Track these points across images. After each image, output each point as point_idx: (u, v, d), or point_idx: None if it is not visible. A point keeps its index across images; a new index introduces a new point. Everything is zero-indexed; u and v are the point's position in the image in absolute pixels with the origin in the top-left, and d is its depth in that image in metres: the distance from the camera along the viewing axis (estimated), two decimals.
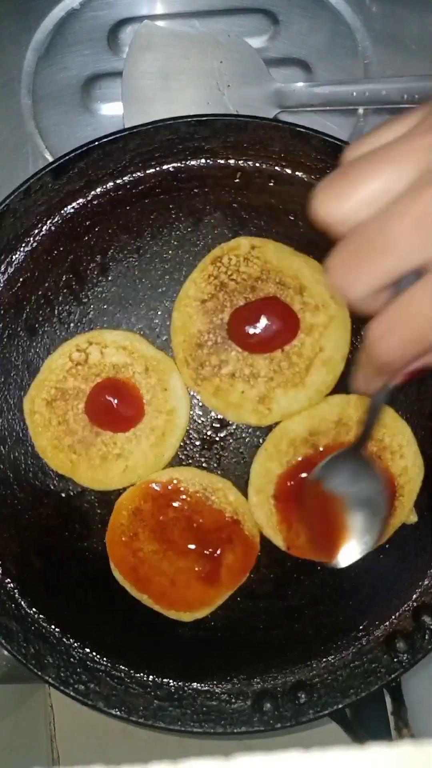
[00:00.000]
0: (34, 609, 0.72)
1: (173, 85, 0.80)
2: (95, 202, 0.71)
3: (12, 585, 0.72)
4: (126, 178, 0.70)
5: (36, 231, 0.71)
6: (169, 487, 0.72)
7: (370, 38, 0.84)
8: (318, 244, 0.71)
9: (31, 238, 0.71)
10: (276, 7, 0.84)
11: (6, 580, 0.72)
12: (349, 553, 0.65)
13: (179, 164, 0.70)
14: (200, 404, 0.73)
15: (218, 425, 0.73)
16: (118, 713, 0.70)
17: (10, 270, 0.71)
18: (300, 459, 0.71)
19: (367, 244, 0.40)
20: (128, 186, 0.71)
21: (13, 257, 0.71)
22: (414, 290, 0.40)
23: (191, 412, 0.73)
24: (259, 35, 0.84)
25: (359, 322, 0.72)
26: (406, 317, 0.41)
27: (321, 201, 0.43)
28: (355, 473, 0.65)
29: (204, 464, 0.73)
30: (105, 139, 0.68)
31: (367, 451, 0.66)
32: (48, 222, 0.71)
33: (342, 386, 0.72)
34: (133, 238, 0.72)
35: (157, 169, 0.71)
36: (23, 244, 0.71)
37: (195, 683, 0.72)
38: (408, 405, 0.72)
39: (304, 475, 0.70)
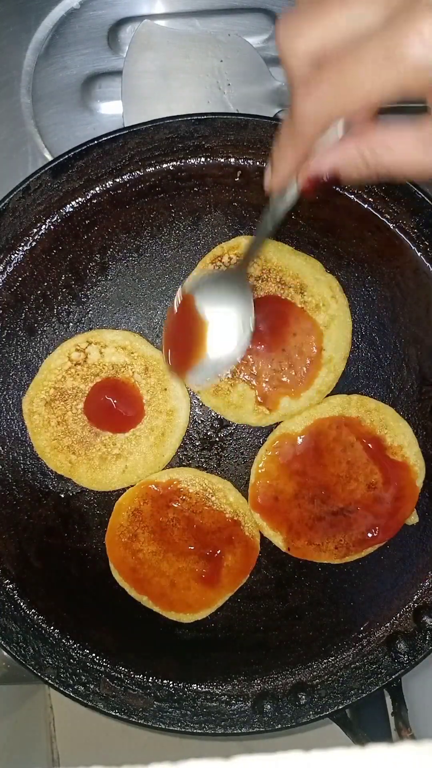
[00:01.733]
0: (33, 610, 0.72)
1: (173, 83, 0.80)
2: (94, 201, 0.71)
3: (11, 586, 0.72)
4: (125, 177, 0.70)
5: (35, 230, 0.71)
6: (169, 488, 0.72)
7: None
8: (318, 243, 0.72)
9: (31, 237, 0.71)
10: (276, 6, 0.83)
11: (5, 581, 0.72)
12: (201, 374, 0.65)
13: (179, 163, 0.70)
14: (200, 404, 0.73)
15: (218, 425, 0.73)
16: (118, 714, 0.70)
17: (9, 269, 0.71)
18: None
19: (340, 80, 0.42)
20: (128, 185, 0.71)
21: (12, 256, 0.71)
22: (359, 42, 0.41)
23: (191, 412, 0.72)
24: (260, 34, 0.84)
25: (359, 322, 0.72)
26: (345, 65, 0.42)
27: (285, 33, 0.43)
28: (229, 293, 0.64)
29: (204, 464, 0.73)
30: (104, 138, 0.68)
31: (247, 275, 0.65)
32: (47, 221, 0.71)
33: (342, 386, 0.71)
34: (133, 237, 0.72)
35: (157, 167, 0.70)
36: (22, 243, 0.71)
37: (195, 684, 0.72)
38: (409, 406, 0.72)
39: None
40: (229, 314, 0.64)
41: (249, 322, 0.64)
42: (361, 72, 0.41)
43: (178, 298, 0.66)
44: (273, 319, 0.70)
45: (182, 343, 0.65)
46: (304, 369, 0.70)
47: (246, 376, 0.70)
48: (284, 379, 0.70)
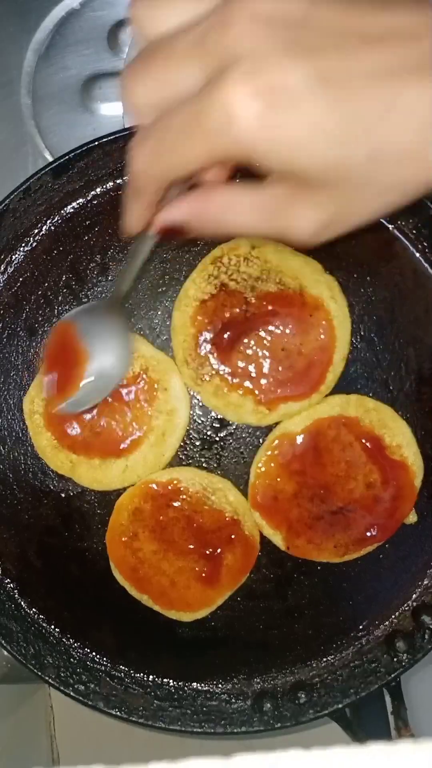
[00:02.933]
0: (33, 609, 0.72)
1: None
2: (95, 202, 0.71)
3: (12, 585, 0.72)
4: (126, 178, 0.70)
5: (36, 231, 0.71)
6: (169, 487, 0.72)
7: None
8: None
9: (31, 238, 0.71)
10: None
11: (6, 580, 0.72)
12: (75, 402, 0.64)
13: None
14: (200, 404, 0.73)
15: (218, 425, 0.73)
16: (118, 713, 0.70)
17: (10, 270, 0.71)
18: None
19: (156, 53, 0.41)
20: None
21: (13, 257, 0.71)
22: (176, 106, 0.40)
23: (191, 412, 0.73)
24: None
25: (359, 322, 0.72)
26: (161, 129, 0.41)
27: (125, 81, 0.43)
28: (106, 328, 0.64)
29: (204, 464, 0.73)
30: (105, 139, 0.68)
31: (123, 307, 0.65)
32: (48, 222, 0.71)
33: (341, 386, 0.72)
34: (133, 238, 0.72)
35: None
36: (23, 244, 0.71)
37: (195, 683, 0.72)
38: (408, 405, 0.72)
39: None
40: (108, 346, 0.64)
41: (126, 355, 0.65)
42: (173, 139, 0.40)
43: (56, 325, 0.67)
44: (272, 320, 0.70)
45: (61, 370, 0.65)
46: (304, 369, 0.70)
47: (246, 376, 0.71)
48: (284, 379, 0.70)
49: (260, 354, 0.71)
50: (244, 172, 0.46)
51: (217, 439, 0.73)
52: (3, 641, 0.70)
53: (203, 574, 0.72)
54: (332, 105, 0.36)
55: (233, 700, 0.72)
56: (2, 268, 0.71)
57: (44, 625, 0.72)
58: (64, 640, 0.72)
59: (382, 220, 0.70)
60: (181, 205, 0.47)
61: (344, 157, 0.38)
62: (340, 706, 0.70)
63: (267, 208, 0.43)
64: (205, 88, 0.38)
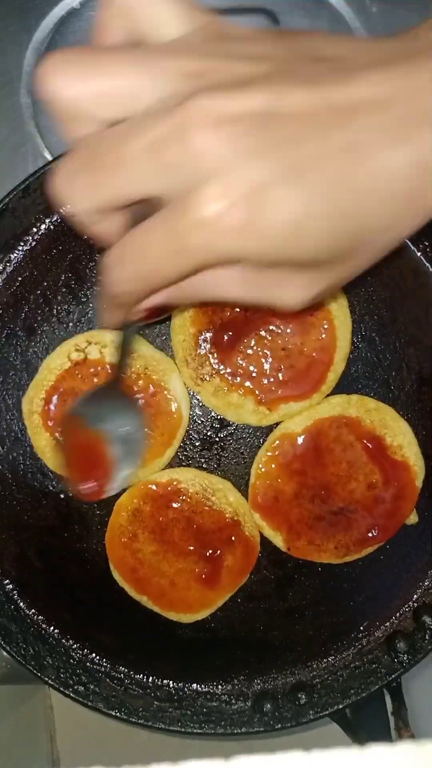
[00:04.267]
0: (33, 610, 0.72)
1: None
2: None
3: (11, 586, 0.72)
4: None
5: (35, 230, 0.71)
6: (169, 488, 0.72)
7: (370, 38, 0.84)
8: None
9: (30, 237, 0.71)
10: (276, 7, 0.83)
11: (5, 581, 0.72)
12: (111, 484, 0.64)
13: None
14: (200, 404, 0.73)
15: (218, 425, 0.73)
16: (118, 714, 0.70)
17: (9, 269, 0.71)
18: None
19: (100, 155, 0.37)
20: None
21: (12, 256, 0.71)
22: (148, 224, 0.38)
23: (191, 412, 0.72)
24: None
25: (359, 322, 0.72)
26: (138, 251, 0.39)
27: (54, 69, 0.37)
28: (114, 409, 0.63)
29: (204, 465, 0.73)
30: None
31: (123, 387, 0.65)
32: (47, 221, 0.71)
33: (342, 386, 0.72)
34: None
35: None
36: (22, 243, 0.71)
37: (195, 684, 0.72)
38: (409, 405, 0.72)
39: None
40: (118, 425, 0.64)
41: (140, 428, 0.65)
42: (152, 260, 0.39)
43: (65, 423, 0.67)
44: (273, 319, 0.70)
45: (85, 464, 0.64)
46: (304, 369, 0.70)
47: (246, 376, 0.71)
48: (284, 379, 0.70)
49: (261, 354, 0.71)
50: None
51: (217, 439, 0.73)
52: (2, 642, 0.70)
53: (203, 576, 0.71)
54: (312, 192, 0.36)
55: (233, 701, 0.72)
56: (1, 268, 0.71)
57: (44, 625, 0.72)
58: (63, 641, 0.72)
59: None
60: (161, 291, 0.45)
61: (334, 238, 0.38)
62: (340, 706, 0.70)
63: (254, 284, 0.42)
64: (177, 206, 0.36)
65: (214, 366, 0.71)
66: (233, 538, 0.71)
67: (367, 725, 0.74)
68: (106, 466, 0.63)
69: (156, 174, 0.36)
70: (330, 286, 0.42)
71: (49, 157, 0.83)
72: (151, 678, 0.72)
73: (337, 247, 0.39)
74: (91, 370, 0.70)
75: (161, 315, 0.48)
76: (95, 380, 0.70)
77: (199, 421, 0.73)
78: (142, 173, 0.36)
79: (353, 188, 0.36)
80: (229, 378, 0.71)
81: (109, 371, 0.68)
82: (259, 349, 0.71)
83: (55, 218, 0.71)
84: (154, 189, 0.37)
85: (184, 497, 0.71)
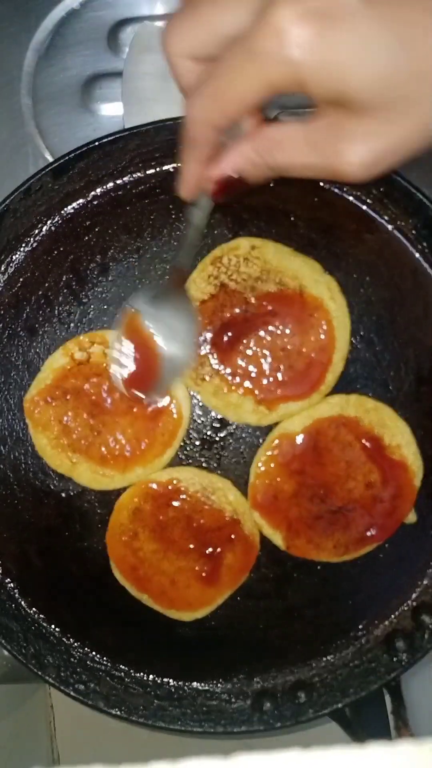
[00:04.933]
0: (34, 609, 0.72)
1: (173, 85, 0.79)
2: (95, 203, 0.71)
3: (12, 585, 0.72)
4: (126, 179, 0.70)
5: (36, 231, 0.71)
6: (169, 487, 0.72)
7: None
8: (317, 244, 0.72)
9: (31, 239, 0.71)
10: None
11: (6, 580, 0.72)
12: (159, 390, 0.67)
13: (179, 164, 0.70)
14: (200, 404, 0.73)
15: (218, 425, 0.73)
16: (118, 713, 0.70)
17: (10, 270, 0.71)
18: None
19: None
20: (128, 186, 0.71)
21: (13, 257, 0.71)
22: (224, 51, 0.42)
23: (191, 412, 0.73)
24: None
25: (358, 322, 0.72)
26: (214, 70, 0.42)
27: (168, 36, 0.45)
28: (172, 308, 0.66)
29: (204, 464, 0.73)
30: (105, 140, 0.68)
31: (185, 281, 0.67)
32: (48, 222, 0.71)
33: (341, 386, 0.72)
34: (133, 239, 0.72)
35: (158, 169, 0.70)
36: (23, 245, 0.71)
37: (195, 683, 0.72)
38: (408, 405, 0.72)
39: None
40: (174, 326, 0.66)
41: (193, 330, 0.67)
42: (229, 75, 0.41)
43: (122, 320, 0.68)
44: (272, 320, 0.70)
45: (139, 362, 0.66)
46: (304, 369, 0.70)
47: (246, 376, 0.71)
48: (283, 379, 0.71)
49: (260, 354, 0.71)
50: None
51: (217, 439, 0.73)
52: (3, 641, 0.70)
53: (203, 574, 0.72)
54: (380, 22, 0.38)
55: (233, 700, 0.72)
56: (2, 269, 0.71)
57: (44, 624, 0.72)
58: (64, 639, 0.72)
59: (381, 220, 0.71)
60: (234, 150, 0.48)
61: (392, 75, 0.39)
62: (339, 705, 0.70)
63: (317, 140, 0.44)
64: (254, 20, 0.39)
65: (214, 366, 0.71)
66: (233, 537, 0.72)
67: (366, 724, 0.74)
68: (154, 374, 0.66)
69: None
70: (391, 146, 0.43)
71: (50, 158, 0.83)
72: (151, 676, 0.72)
73: (392, 87, 0.40)
74: (94, 370, 0.71)
75: (232, 193, 0.50)
76: (97, 379, 0.71)
77: (199, 421, 0.73)
78: (234, 1, 0.42)
79: (419, 28, 0.38)
80: (229, 378, 0.71)
81: (174, 270, 0.68)
82: (258, 349, 0.71)
83: (56, 219, 0.71)
84: (241, 15, 0.41)
85: (184, 496, 0.72)
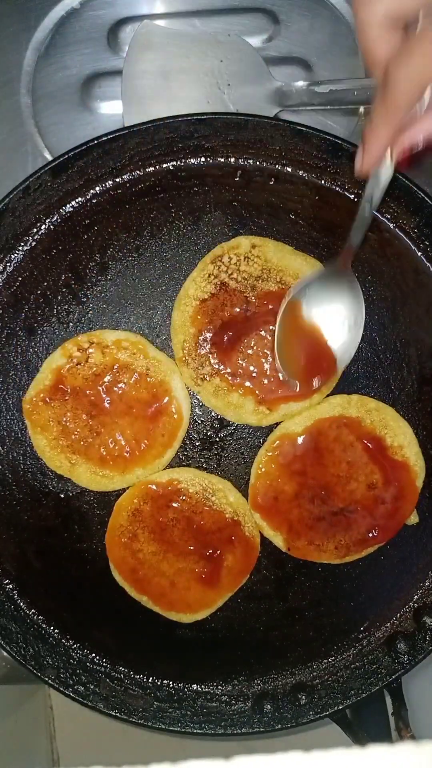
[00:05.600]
0: (33, 610, 0.72)
1: (173, 84, 0.80)
2: (94, 201, 0.71)
3: (11, 586, 0.72)
4: (125, 177, 0.70)
5: (35, 230, 0.71)
6: (169, 488, 0.72)
7: None
8: (318, 243, 0.72)
9: (30, 237, 0.71)
10: (276, 7, 0.83)
11: (5, 581, 0.72)
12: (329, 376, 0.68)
13: (179, 163, 0.70)
14: (200, 404, 0.73)
15: (218, 425, 0.73)
16: (118, 714, 0.70)
17: (9, 269, 0.71)
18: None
19: None
20: (128, 185, 0.71)
21: (12, 256, 0.71)
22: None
23: (191, 412, 0.72)
24: (260, 34, 0.84)
25: None
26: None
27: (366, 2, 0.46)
28: (335, 291, 0.66)
29: (204, 464, 0.73)
30: (104, 138, 0.68)
31: (350, 259, 0.66)
32: (47, 221, 0.71)
33: (342, 386, 0.71)
34: (133, 237, 0.72)
35: (157, 167, 0.70)
36: (22, 243, 0.71)
37: (195, 684, 0.72)
38: (410, 405, 0.72)
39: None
40: (338, 311, 0.66)
41: (360, 313, 0.67)
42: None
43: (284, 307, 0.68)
44: (273, 319, 0.70)
45: (306, 350, 0.67)
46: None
47: (246, 376, 0.71)
48: (284, 378, 0.70)
49: (261, 354, 0.70)
50: None
51: (217, 439, 0.73)
52: (3, 642, 0.70)
53: (203, 576, 0.71)
54: None
55: (233, 702, 0.72)
56: (1, 268, 0.71)
57: (44, 625, 0.72)
58: (63, 641, 0.72)
59: (383, 218, 0.70)
60: (427, 118, 0.49)
61: None
62: (340, 707, 0.70)
63: None
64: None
65: (214, 366, 0.71)
66: (233, 538, 0.71)
67: (367, 726, 0.74)
68: (327, 359, 0.66)
69: None
70: None
71: (49, 157, 0.83)
72: (151, 678, 0.72)
73: None
74: (93, 370, 0.70)
75: (416, 163, 0.52)
76: (97, 379, 0.70)
77: (199, 421, 0.73)
78: None
79: None
80: (229, 378, 0.71)
81: (345, 248, 0.66)
82: (259, 349, 0.70)
83: (55, 218, 0.71)
84: None
85: (184, 497, 0.71)
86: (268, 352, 0.70)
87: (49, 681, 0.70)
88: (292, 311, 0.66)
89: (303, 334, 0.66)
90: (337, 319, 0.66)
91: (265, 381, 0.71)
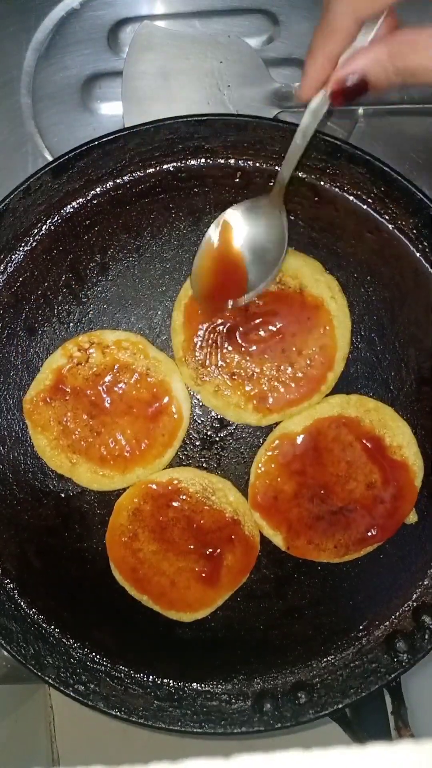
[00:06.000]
0: (33, 609, 0.72)
1: (173, 84, 0.80)
2: (95, 202, 0.71)
3: (11, 585, 0.72)
4: (126, 178, 0.70)
5: (35, 230, 0.71)
6: (169, 488, 0.72)
7: None
8: (317, 243, 0.72)
9: (31, 238, 0.71)
10: (276, 8, 0.83)
11: (5, 581, 0.72)
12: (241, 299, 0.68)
13: (179, 164, 0.70)
14: (200, 404, 0.73)
15: (218, 425, 0.73)
16: (118, 714, 0.70)
17: (10, 269, 0.71)
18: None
19: None
20: (128, 185, 0.71)
21: (13, 257, 0.71)
22: None
23: (191, 412, 0.73)
24: (260, 35, 0.84)
25: (359, 322, 0.72)
26: None
27: None
28: (261, 221, 0.67)
29: (204, 464, 0.73)
30: (105, 139, 0.68)
31: (282, 195, 0.67)
32: (47, 221, 0.71)
33: (341, 386, 0.72)
34: (133, 238, 0.72)
35: (157, 168, 0.70)
36: (23, 244, 0.71)
37: (195, 684, 0.72)
38: (408, 405, 0.72)
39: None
40: (262, 242, 0.67)
41: (280, 249, 0.67)
42: None
43: (215, 229, 0.69)
44: (273, 320, 0.70)
45: (222, 275, 0.68)
46: (304, 369, 0.70)
47: (246, 376, 0.71)
48: (284, 379, 0.70)
49: (261, 354, 0.71)
50: None
51: (217, 439, 0.73)
52: (3, 641, 0.70)
53: (203, 575, 0.72)
54: None
55: (233, 701, 0.72)
56: (2, 268, 0.71)
57: (44, 625, 0.72)
58: (63, 640, 0.72)
59: (382, 219, 0.70)
60: (365, 51, 0.50)
61: None
62: (340, 706, 0.70)
63: None
64: None
65: (214, 366, 0.71)
66: (233, 538, 0.72)
67: (366, 724, 0.74)
68: (239, 282, 0.67)
69: None
70: None
71: (49, 158, 0.83)
72: (151, 677, 0.72)
73: None
74: (94, 370, 0.71)
75: (350, 99, 0.52)
76: (98, 379, 0.71)
77: (199, 421, 0.73)
78: None
79: None
80: (229, 378, 0.71)
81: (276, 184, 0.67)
82: (259, 349, 0.71)
83: (55, 218, 0.71)
84: None
85: (184, 496, 0.72)
86: (268, 353, 0.70)
87: (50, 680, 0.70)
88: (222, 234, 0.68)
89: (222, 257, 0.68)
90: (256, 250, 0.67)
91: (265, 381, 0.71)
